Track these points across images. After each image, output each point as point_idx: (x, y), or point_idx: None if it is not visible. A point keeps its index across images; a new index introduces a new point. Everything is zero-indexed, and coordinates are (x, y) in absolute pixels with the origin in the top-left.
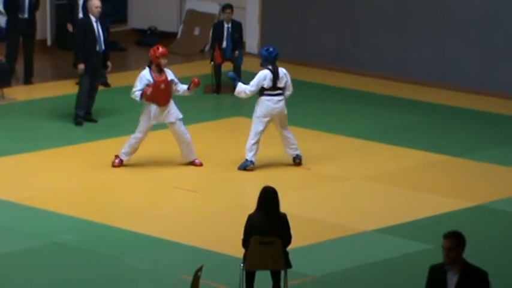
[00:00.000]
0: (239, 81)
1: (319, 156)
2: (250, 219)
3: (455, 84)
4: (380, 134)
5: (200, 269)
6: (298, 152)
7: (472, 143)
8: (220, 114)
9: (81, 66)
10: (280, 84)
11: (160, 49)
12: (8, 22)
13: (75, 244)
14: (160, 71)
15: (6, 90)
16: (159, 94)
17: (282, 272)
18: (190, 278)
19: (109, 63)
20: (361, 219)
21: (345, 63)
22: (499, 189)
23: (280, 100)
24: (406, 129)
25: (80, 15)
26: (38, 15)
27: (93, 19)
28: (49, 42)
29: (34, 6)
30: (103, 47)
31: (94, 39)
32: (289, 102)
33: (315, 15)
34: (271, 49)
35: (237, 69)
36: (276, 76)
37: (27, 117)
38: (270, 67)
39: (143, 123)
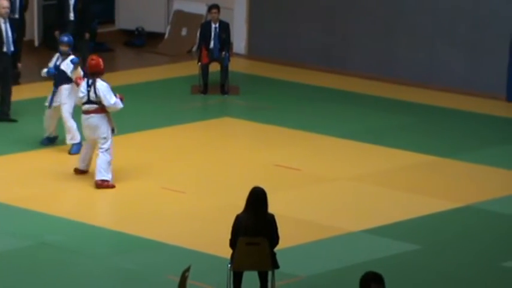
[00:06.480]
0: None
1: (308, 157)
2: (238, 219)
3: (443, 85)
4: (368, 134)
5: (187, 270)
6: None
7: (460, 143)
8: (207, 114)
9: None
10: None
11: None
12: None
13: (62, 245)
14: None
15: None
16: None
17: (270, 273)
18: (178, 278)
19: (19, 65)
20: (350, 219)
21: (333, 63)
22: (488, 189)
23: None
24: (394, 130)
25: (71, 16)
26: (25, 15)
27: (1, 20)
28: (36, 43)
29: (24, 7)
30: (11, 48)
31: (1, 40)
32: (278, 102)
33: (303, 16)
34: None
35: (224, 70)
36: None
37: (14, 118)
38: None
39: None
